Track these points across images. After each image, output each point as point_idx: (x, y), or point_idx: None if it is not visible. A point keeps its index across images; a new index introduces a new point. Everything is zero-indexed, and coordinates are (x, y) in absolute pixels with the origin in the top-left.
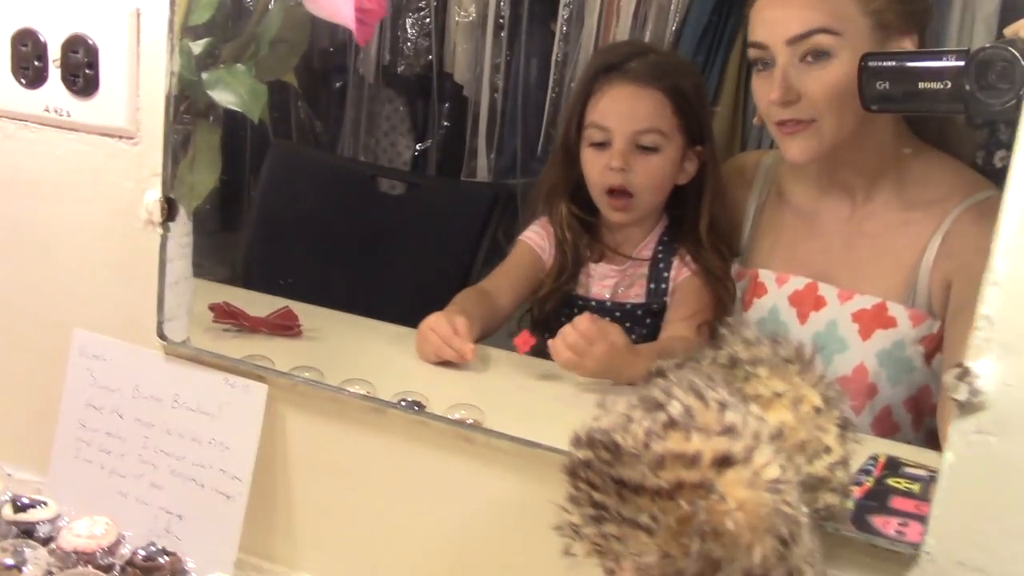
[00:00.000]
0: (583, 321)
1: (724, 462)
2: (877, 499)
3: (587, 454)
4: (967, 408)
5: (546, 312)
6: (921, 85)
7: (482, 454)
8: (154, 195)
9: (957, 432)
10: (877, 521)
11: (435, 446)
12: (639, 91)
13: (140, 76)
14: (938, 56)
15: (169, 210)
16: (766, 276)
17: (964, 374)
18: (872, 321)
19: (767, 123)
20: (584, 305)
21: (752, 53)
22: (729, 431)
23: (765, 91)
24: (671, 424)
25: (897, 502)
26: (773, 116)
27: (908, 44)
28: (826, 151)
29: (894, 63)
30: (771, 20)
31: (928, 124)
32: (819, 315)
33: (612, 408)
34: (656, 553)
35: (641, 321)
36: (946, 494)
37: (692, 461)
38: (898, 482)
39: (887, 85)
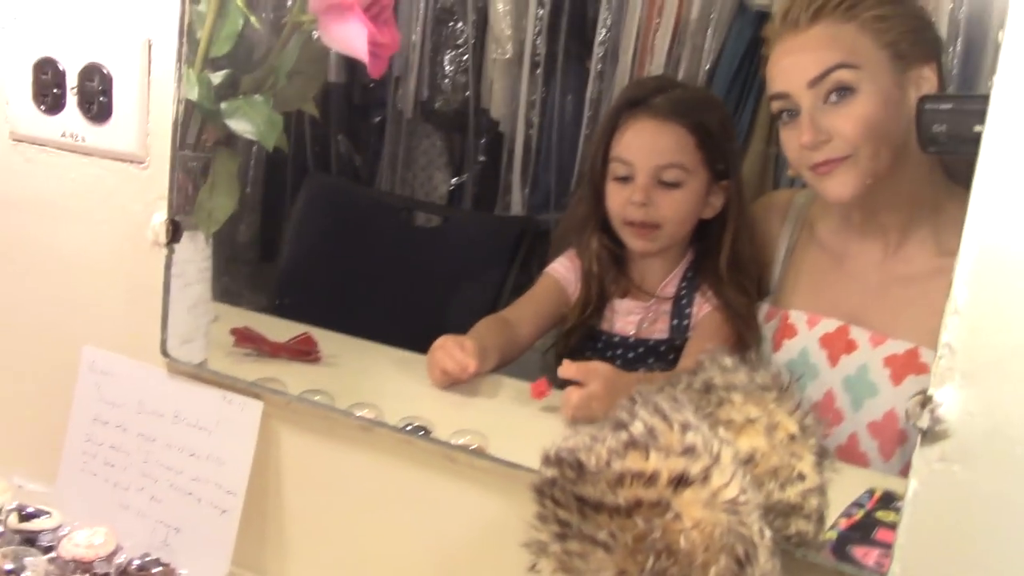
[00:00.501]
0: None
1: (681, 482)
2: (862, 530)
3: (554, 472)
4: (930, 436)
5: (570, 347)
6: (976, 129)
7: (467, 474)
8: (160, 217)
9: (921, 460)
10: (858, 552)
11: (423, 465)
12: (662, 126)
13: (151, 103)
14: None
15: (174, 232)
16: (797, 317)
17: (926, 402)
18: (904, 367)
19: (801, 172)
20: (608, 340)
21: (775, 105)
22: (688, 452)
23: (794, 139)
24: (632, 443)
25: (882, 534)
26: (806, 161)
27: (928, 73)
28: (865, 185)
29: (951, 106)
30: (789, 67)
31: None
32: (850, 359)
33: (582, 429)
34: (613, 570)
35: (664, 357)
36: (911, 522)
37: (650, 480)
38: (887, 515)
39: (944, 128)
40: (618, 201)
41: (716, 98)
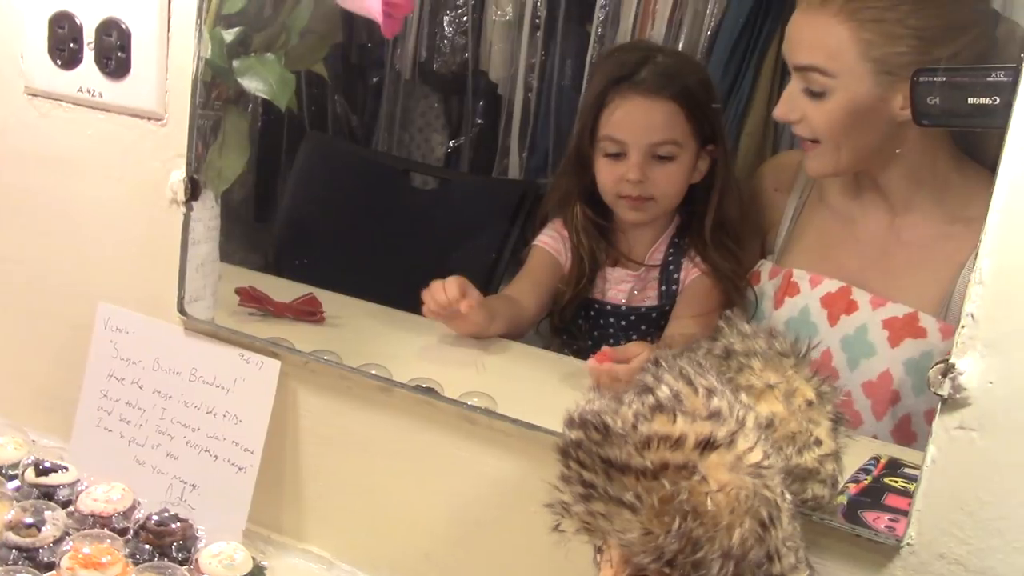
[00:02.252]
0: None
1: (708, 445)
2: (872, 495)
3: (578, 434)
4: (950, 404)
5: (565, 319)
6: (970, 100)
7: (485, 435)
8: (179, 175)
9: (940, 427)
10: (868, 516)
11: (441, 426)
12: (652, 103)
13: (169, 60)
14: (987, 72)
15: (192, 190)
16: (800, 276)
17: (948, 370)
18: (902, 330)
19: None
20: (601, 309)
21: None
22: (714, 416)
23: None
24: (658, 407)
25: (891, 499)
26: (792, 127)
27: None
28: (836, 171)
29: (944, 79)
30: (788, 41)
31: (975, 139)
32: (850, 319)
33: (604, 392)
34: (639, 530)
35: (656, 324)
36: (928, 488)
37: (677, 443)
38: (895, 481)
39: (937, 100)
40: (611, 178)
41: (696, 61)
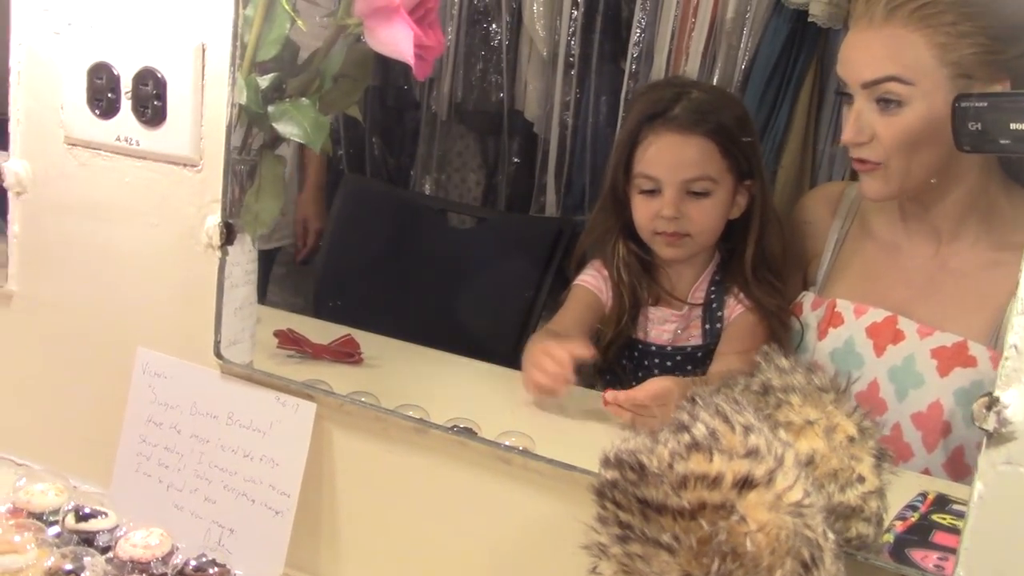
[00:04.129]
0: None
1: (746, 484)
2: (919, 533)
3: (614, 474)
4: (996, 439)
5: (608, 359)
6: (1013, 126)
7: (520, 475)
8: (214, 220)
9: (987, 462)
10: (916, 555)
11: (476, 467)
12: (685, 139)
13: (204, 107)
14: None
15: (228, 234)
16: (844, 306)
17: (993, 403)
18: (952, 359)
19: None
20: (644, 349)
21: (840, 86)
22: (752, 454)
23: (846, 127)
24: (695, 446)
25: (939, 537)
26: (851, 151)
27: (999, 89)
28: (898, 192)
29: (986, 104)
30: (849, 61)
31: (1022, 164)
32: (897, 349)
33: (641, 431)
34: (677, 572)
35: (701, 363)
36: (976, 525)
37: (714, 482)
38: (943, 518)
39: (979, 126)
40: (647, 215)
41: (732, 96)
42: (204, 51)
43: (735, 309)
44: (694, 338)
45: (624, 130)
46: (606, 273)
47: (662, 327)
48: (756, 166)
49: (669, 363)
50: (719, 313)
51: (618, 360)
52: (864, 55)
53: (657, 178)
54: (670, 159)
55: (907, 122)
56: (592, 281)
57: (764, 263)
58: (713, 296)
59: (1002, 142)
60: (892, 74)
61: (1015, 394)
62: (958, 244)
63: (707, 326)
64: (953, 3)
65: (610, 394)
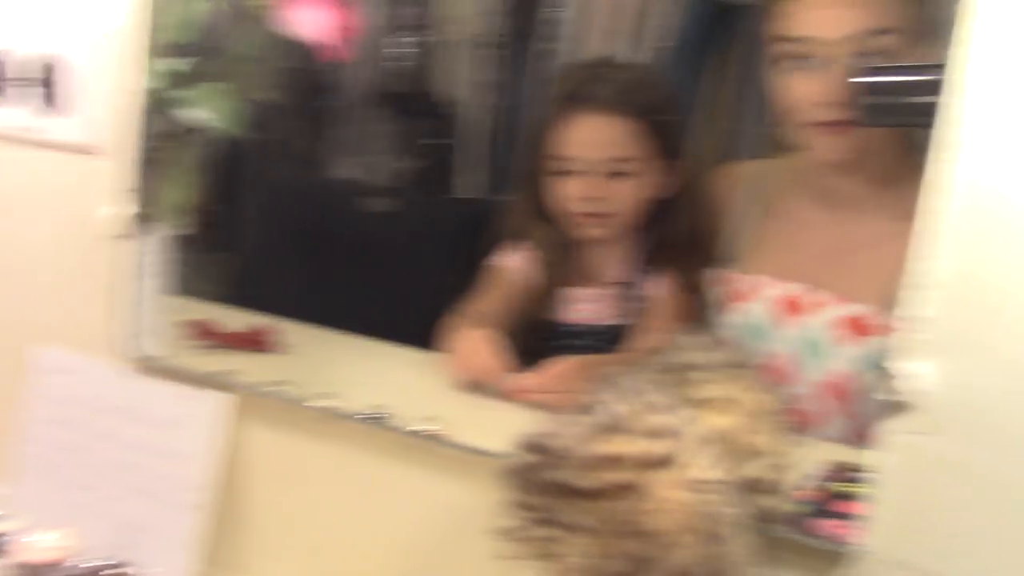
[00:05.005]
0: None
1: (652, 464)
2: (822, 502)
3: (526, 458)
4: (895, 408)
5: (528, 340)
6: (909, 99)
7: (435, 462)
8: (120, 209)
9: (890, 432)
10: (818, 523)
11: (392, 455)
12: (606, 120)
13: (109, 93)
14: (929, 70)
15: (138, 224)
16: (752, 281)
17: (896, 374)
18: (855, 329)
19: (797, 122)
20: (564, 330)
21: (788, 48)
22: (658, 434)
23: (805, 89)
24: (603, 428)
25: (842, 505)
26: (814, 115)
27: (929, 52)
28: (858, 155)
29: (886, 77)
30: (827, 17)
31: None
32: (802, 320)
33: (552, 414)
34: (586, 553)
35: (621, 341)
36: (883, 494)
37: (620, 463)
38: (845, 486)
39: (879, 99)
40: (566, 195)
41: (656, 76)
42: (109, 35)
43: (655, 287)
44: (614, 317)
45: (544, 109)
46: (526, 254)
47: (582, 306)
48: (681, 146)
49: (590, 342)
50: (640, 292)
51: (538, 341)
52: (843, 10)
53: (575, 159)
54: (590, 139)
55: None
56: (512, 262)
57: (686, 242)
58: (635, 275)
59: (897, 115)
60: (887, 26)
61: (918, 364)
62: (861, 216)
63: (628, 305)
64: None
65: (516, 384)
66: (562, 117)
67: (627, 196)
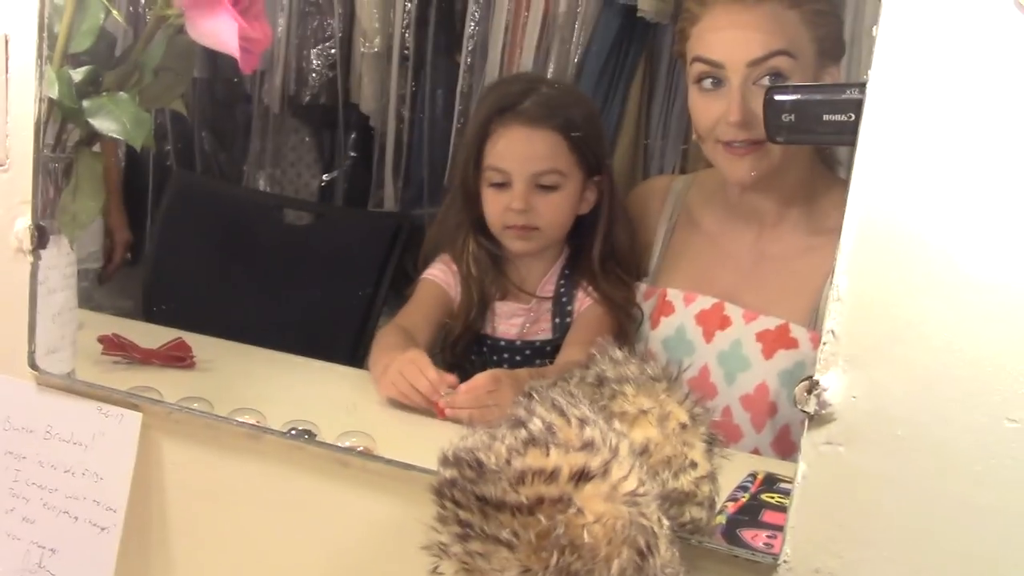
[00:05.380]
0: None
1: (582, 476)
2: (749, 513)
3: (453, 473)
4: (817, 420)
5: (456, 353)
6: (826, 117)
7: (360, 478)
8: (24, 222)
9: (808, 443)
10: (747, 534)
11: (315, 471)
12: (535, 132)
13: (8, 103)
14: (841, 89)
15: (40, 237)
16: (674, 295)
17: (813, 387)
18: (775, 342)
19: (708, 141)
20: (493, 345)
21: (699, 69)
22: (588, 446)
23: (713, 109)
24: (531, 440)
25: (769, 516)
26: (723, 135)
27: (834, 72)
28: (771, 172)
29: (799, 96)
30: (730, 40)
31: (833, 153)
32: (724, 334)
33: (479, 428)
34: (517, 568)
35: (550, 356)
36: (801, 504)
37: (551, 476)
38: (772, 497)
39: (792, 117)
40: (496, 208)
41: (582, 94)
42: (7, 42)
43: (584, 302)
44: (543, 332)
45: (474, 123)
46: (455, 268)
47: (510, 321)
48: (604, 163)
49: (518, 357)
50: (568, 307)
51: (467, 355)
52: (747, 33)
53: (507, 171)
54: (520, 152)
55: None
56: (440, 275)
57: (612, 257)
58: (563, 290)
59: (815, 133)
60: (781, 48)
61: (833, 377)
62: (779, 231)
63: (556, 320)
64: None
65: (444, 406)
66: (491, 129)
67: (554, 209)
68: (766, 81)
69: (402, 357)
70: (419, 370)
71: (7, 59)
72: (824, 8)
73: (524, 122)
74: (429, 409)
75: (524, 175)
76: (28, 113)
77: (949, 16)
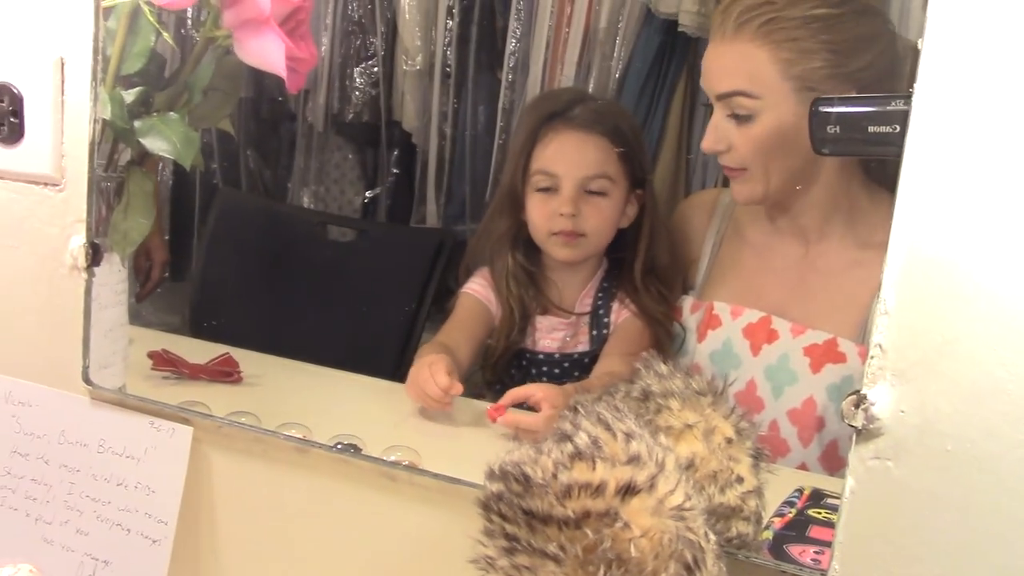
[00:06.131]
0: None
1: (629, 490)
2: (796, 529)
3: (499, 487)
4: (865, 435)
5: (498, 371)
6: (871, 129)
7: (406, 491)
8: (79, 240)
9: (856, 458)
10: (794, 550)
11: (361, 484)
12: (586, 137)
13: (65, 123)
14: (886, 100)
15: (94, 255)
16: (721, 308)
17: (861, 401)
18: (823, 356)
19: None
20: (532, 358)
21: (705, 96)
22: (634, 460)
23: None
24: (577, 454)
25: (816, 531)
26: (722, 160)
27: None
28: (763, 196)
29: (843, 108)
30: (706, 72)
31: (881, 166)
32: (771, 348)
33: (525, 442)
34: None
35: (588, 369)
36: (849, 519)
37: (598, 490)
38: (819, 512)
39: (837, 129)
40: (543, 213)
41: (625, 109)
42: (63, 65)
43: (620, 314)
44: (582, 344)
45: (522, 129)
46: (495, 282)
47: (550, 335)
48: (647, 176)
49: (557, 371)
50: (605, 319)
51: (507, 370)
52: (717, 68)
53: (556, 174)
54: (570, 155)
55: (758, 133)
56: (480, 290)
57: (652, 271)
58: (600, 303)
59: (860, 145)
60: (739, 89)
61: (881, 391)
62: (825, 244)
63: (594, 332)
64: (797, 20)
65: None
66: (541, 134)
67: (601, 216)
68: (735, 117)
69: (421, 360)
70: (431, 375)
71: (63, 81)
72: (808, 46)
73: (575, 127)
74: (474, 421)
75: (574, 179)
76: (83, 134)
77: (995, 26)
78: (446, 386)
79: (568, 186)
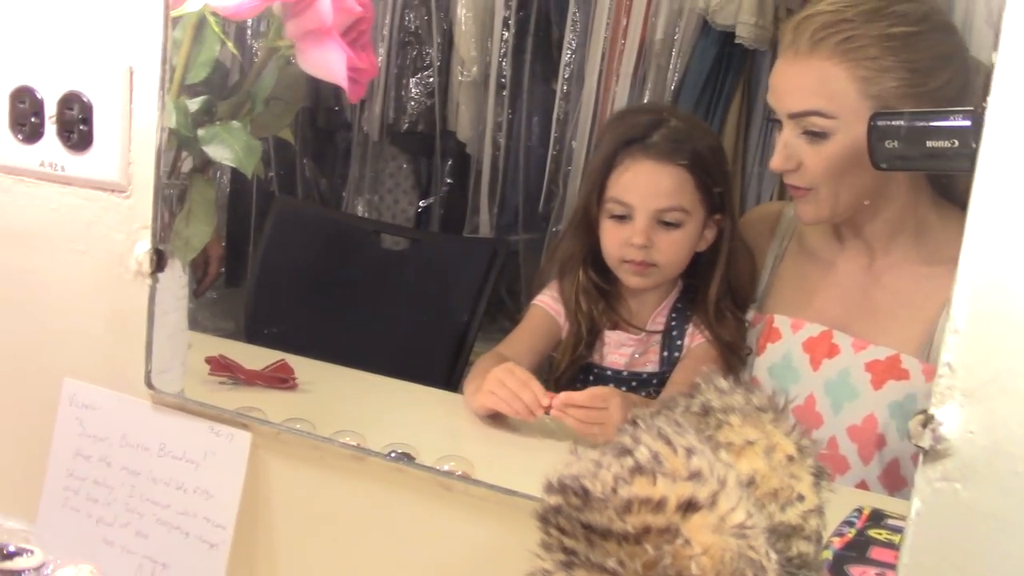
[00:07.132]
0: (586, 394)
1: (690, 507)
2: (857, 549)
3: (557, 500)
4: (932, 455)
5: (563, 383)
6: (929, 144)
7: (461, 501)
8: (144, 246)
9: (923, 479)
10: (854, 571)
11: (416, 493)
12: (662, 168)
13: (132, 131)
14: (946, 116)
15: (158, 261)
16: (781, 322)
17: (928, 421)
18: (885, 372)
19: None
20: (599, 374)
21: (771, 112)
22: (695, 476)
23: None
24: (638, 469)
25: (876, 552)
26: (784, 177)
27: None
28: (830, 216)
29: (903, 123)
30: (777, 91)
31: (949, 181)
32: (832, 362)
33: (583, 455)
34: None
35: (656, 390)
36: (914, 541)
37: (658, 506)
38: (879, 533)
39: (896, 144)
40: (616, 241)
41: (707, 128)
42: (132, 74)
43: (694, 338)
44: (651, 363)
45: (600, 152)
46: (566, 296)
47: (619, 351)
48: (727, 199)
49: (624, 388)
50: (679, 341)
51: (572, 384)
52: (790, 87)
53: (630, 204)
54: (645, 186)
55: (832, 152)
56: (551, 303)
57: (728, 296)
58: (674, 324)
59: (919, 160)
60: (815, 108)
61: (949, 411)
62: (890, 260)
63: (665, 353)
64: (875, 38)
65: (550, 400)
66: (618, 161)
67: (674, 247)
68: (808, 135)
69: (499, 367)
70: (522, 381)
71: (131, 90)
72: (886, 64)
73: (652, 156)
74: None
75: (647, 210)
76: (149, 142)
77: None
78: (542, 393)
79: (641, 217)
